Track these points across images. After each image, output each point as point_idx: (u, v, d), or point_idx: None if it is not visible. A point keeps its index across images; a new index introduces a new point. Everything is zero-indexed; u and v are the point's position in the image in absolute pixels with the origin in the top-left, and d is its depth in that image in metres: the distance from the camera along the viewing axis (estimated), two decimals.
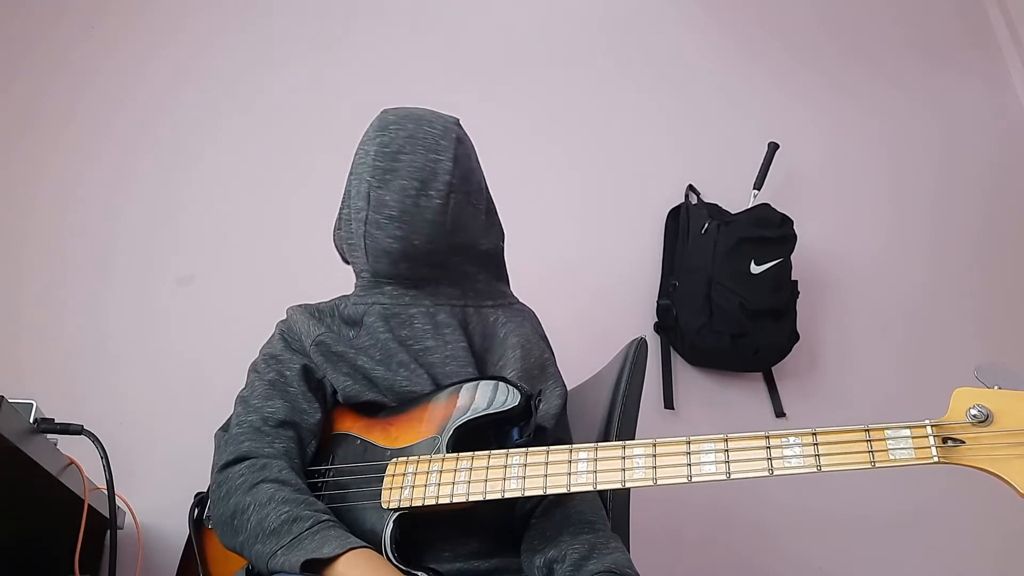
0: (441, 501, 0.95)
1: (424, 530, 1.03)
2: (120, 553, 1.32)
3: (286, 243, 1.93)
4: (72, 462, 1.21)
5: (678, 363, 2.07)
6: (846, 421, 0.83)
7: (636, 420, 1.22)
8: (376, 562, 0.92)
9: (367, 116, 1.22)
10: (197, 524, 1.16)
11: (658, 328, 2.08)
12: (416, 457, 1.00)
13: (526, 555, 1.05)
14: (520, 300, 1.30)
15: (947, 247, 2.35)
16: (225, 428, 1.14)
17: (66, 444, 1.23)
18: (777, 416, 2.04)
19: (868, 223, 2.33)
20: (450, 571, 1.00)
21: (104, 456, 1.22)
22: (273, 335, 1.21)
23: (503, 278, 1.30)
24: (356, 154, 1.20)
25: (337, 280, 1.33)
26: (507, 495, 0.93)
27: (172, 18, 2.12)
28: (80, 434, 1.21)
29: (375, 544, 0.96)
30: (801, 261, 2.08)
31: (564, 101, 2.27)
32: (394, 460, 1.02)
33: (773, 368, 2.08)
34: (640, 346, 1.27)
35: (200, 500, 1.19)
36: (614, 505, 1.18)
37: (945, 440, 0.80)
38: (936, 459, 0.79)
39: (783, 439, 0.84)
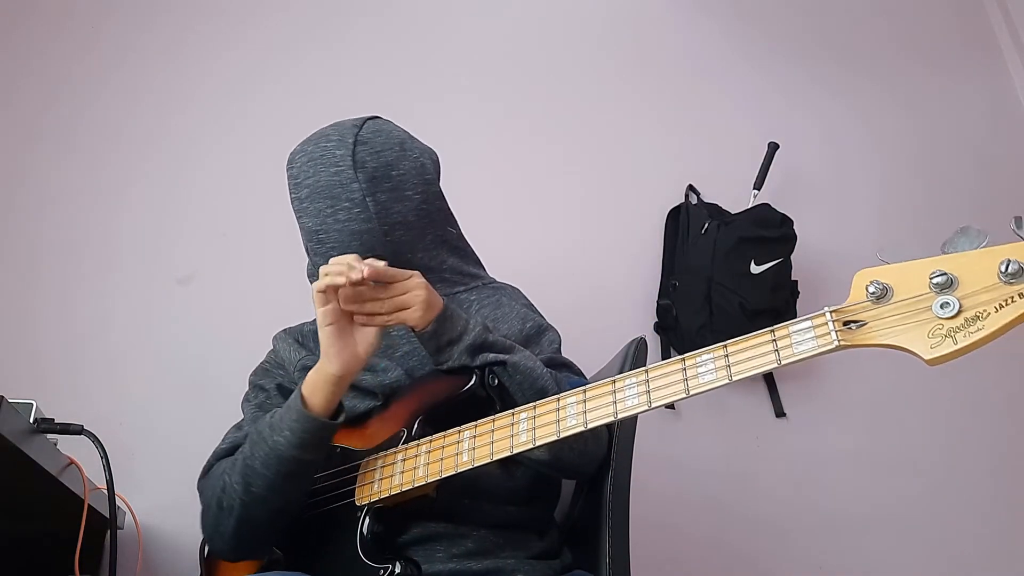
0: (404, 488, 0.99)
1: (418, 529, 1.05)
2: (120, 553, 1.32)
3: (286, 243, 1.92)
4: (72, 462, 1.21)
5: None
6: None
7: (636, 420, 1.21)
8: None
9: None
10: (208, 561, 1.17)
11: (658, 328, 2.08)
12: (384, 452, 1.05)
13: None
14: (495, 279, 1.30)
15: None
16: (204, 475, 1.14)
17: (66, 444, 1.23)
18: (777, 416, 2.04)
19: (868, 223, 2.32)
20: (443, 571, 1.02)
21: (104, 456, 1.22)
22: (261, 362, 1.26)
23: (472, 259, 1.29)
24: None
25: None
26: (459, 469, 0.97)
27: (174, 22, 2.11)
28: (80, 434, 1.21)
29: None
30: (801, 261, 2.08)
31: (564, 101, 2.26)
32: (365, 459, 1.06)
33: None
34: (640, 346, 1.27)
35: None
36: (614, 505, 1.17)
37: (847, 324, 0.78)
38: (836, 343, 0.77)
39: (697, 358, 0.84)
